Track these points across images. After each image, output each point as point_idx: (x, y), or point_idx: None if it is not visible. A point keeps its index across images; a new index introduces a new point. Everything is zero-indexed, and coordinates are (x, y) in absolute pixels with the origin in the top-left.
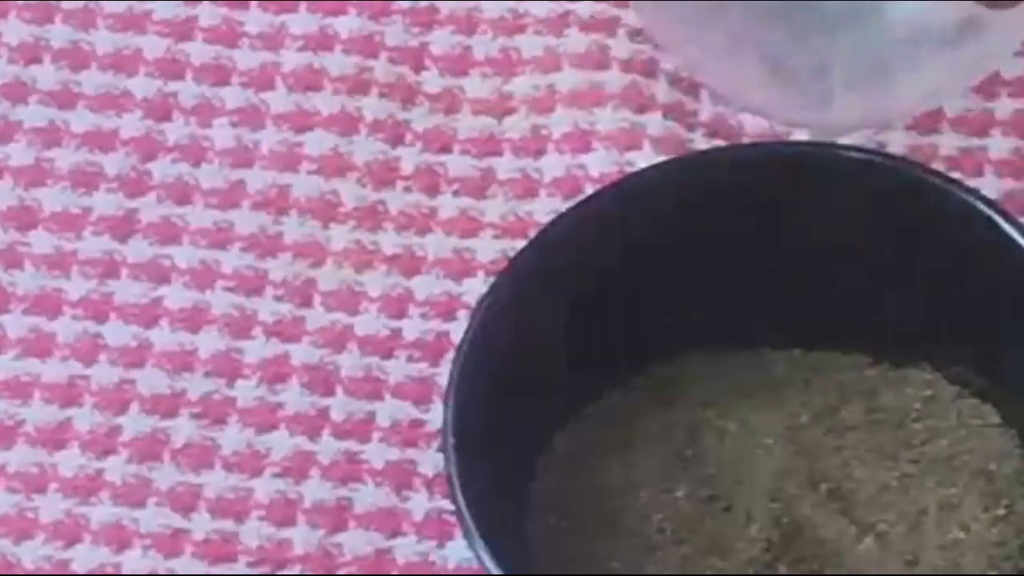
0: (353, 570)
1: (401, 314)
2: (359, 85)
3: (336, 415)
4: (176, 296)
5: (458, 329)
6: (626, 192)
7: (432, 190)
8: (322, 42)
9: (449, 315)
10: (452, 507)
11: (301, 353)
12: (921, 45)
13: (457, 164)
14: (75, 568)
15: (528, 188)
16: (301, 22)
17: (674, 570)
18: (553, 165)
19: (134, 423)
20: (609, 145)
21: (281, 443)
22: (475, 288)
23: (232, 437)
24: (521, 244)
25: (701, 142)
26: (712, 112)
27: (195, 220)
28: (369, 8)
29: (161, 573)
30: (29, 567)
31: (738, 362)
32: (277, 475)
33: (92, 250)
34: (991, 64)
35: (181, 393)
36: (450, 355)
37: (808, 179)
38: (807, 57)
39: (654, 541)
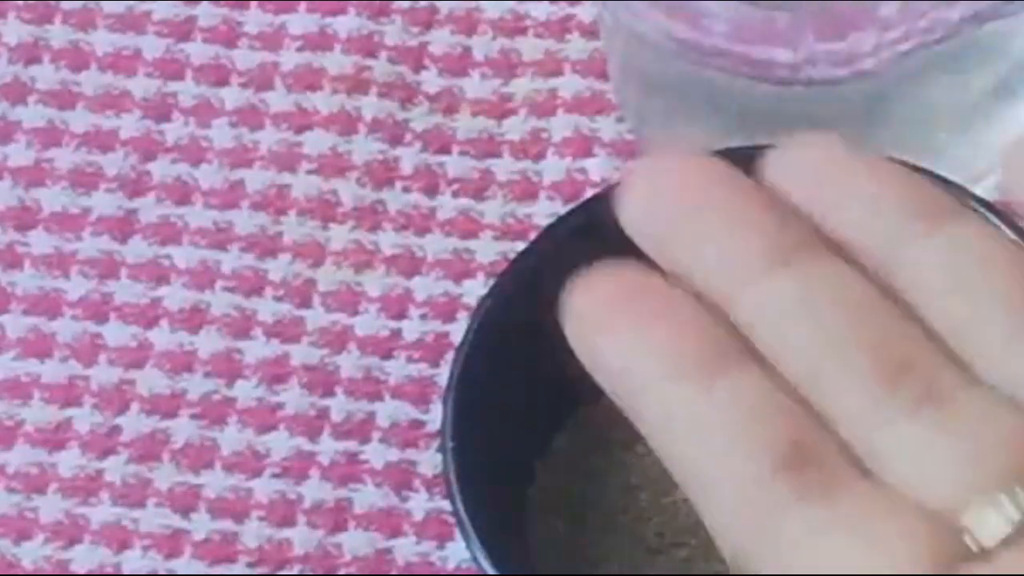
0: (353, 570)
1: (401, 314)
2: (358, 85)
3: (336, 415)
4: (176, 296)
5: (458, 330)
6: None
7: (431, 190)
8: (321, 42)
9: (449, 316)
10: (451, 508)
11: (301, 353)
12: None
13: (456, 165)
14: (75, 568)
15: (528, 190)
16: (300, 22)
17: (672, 573)
18: (553, 168)
19: (134, 423)
20: (611, 152)
21: (281, 443)
22: (475, 289)
23: (232, 437)
24: (521, 246)
25: None
26: None
27: (195, 220)
28: (368, 8)
29: (161, 573)
30: (29, 567)
31: None
32: (277, 475)
33: (92, 250)
34: None
35: (181, 393)
36: (450, 356)
37: None
38: None
39: (653, 544)
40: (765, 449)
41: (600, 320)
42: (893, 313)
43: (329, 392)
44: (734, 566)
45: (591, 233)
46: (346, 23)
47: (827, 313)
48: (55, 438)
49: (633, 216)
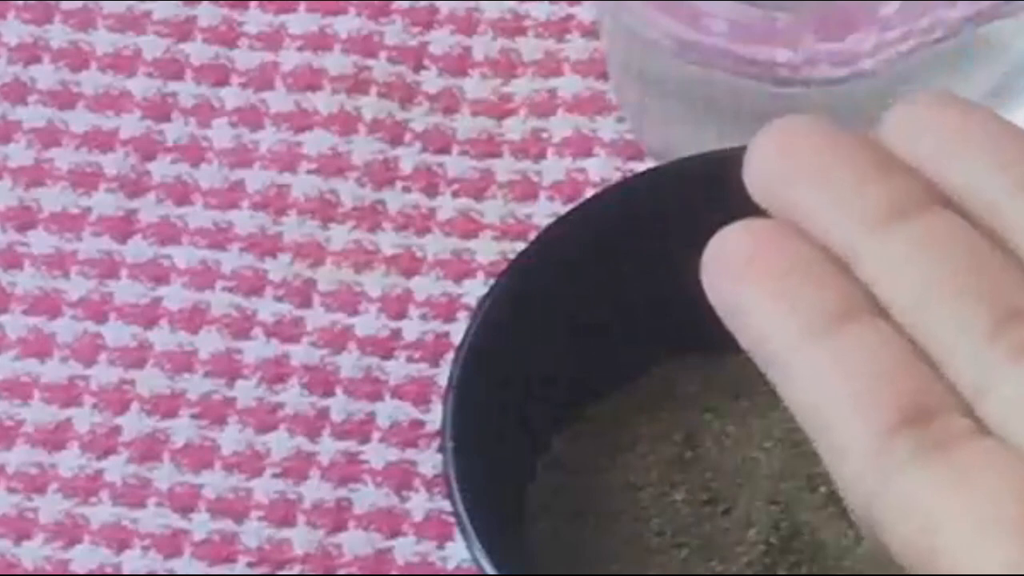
0: (353, 570)
1: (401, 314)
2: (358, 85)
3: (336, 415)
4: (176, 296)
5: (458, 330)
6: (626, 194)
7: (431, 191)
8: (321, 42)
9: (449, 316)
10: (451, 508)
11: (301, 353)
12: None
13: (456, 165)
14: (75, 568)
15: (527, 190)
16: (300, 22)
17: (673, 573)
18: (553, 168)
19: (134, 423)
20: (611, 152)
21: (281, 443)
22: (475, 289)
23: (232, 437)
24: (521, 246)
25: None
26: None
27: (195, 220)
28: (368, 8)
29: (161, 573)
30: (29, 567)
31: (737, 364)
32: (277, 475)
33: (92, 250)
34: None
35: (181, 393)
36: (450, 355)
37: None
38: None
39: (653, 544)
40: (888, 405)
41: (739, 273)
42: (1005, 264)
43: (329, 392)
44: (862, 525)
45: (591, 232)
46: (346, 23)
47: (943, 264)
48: (55, 438)
49: (759, 176)
